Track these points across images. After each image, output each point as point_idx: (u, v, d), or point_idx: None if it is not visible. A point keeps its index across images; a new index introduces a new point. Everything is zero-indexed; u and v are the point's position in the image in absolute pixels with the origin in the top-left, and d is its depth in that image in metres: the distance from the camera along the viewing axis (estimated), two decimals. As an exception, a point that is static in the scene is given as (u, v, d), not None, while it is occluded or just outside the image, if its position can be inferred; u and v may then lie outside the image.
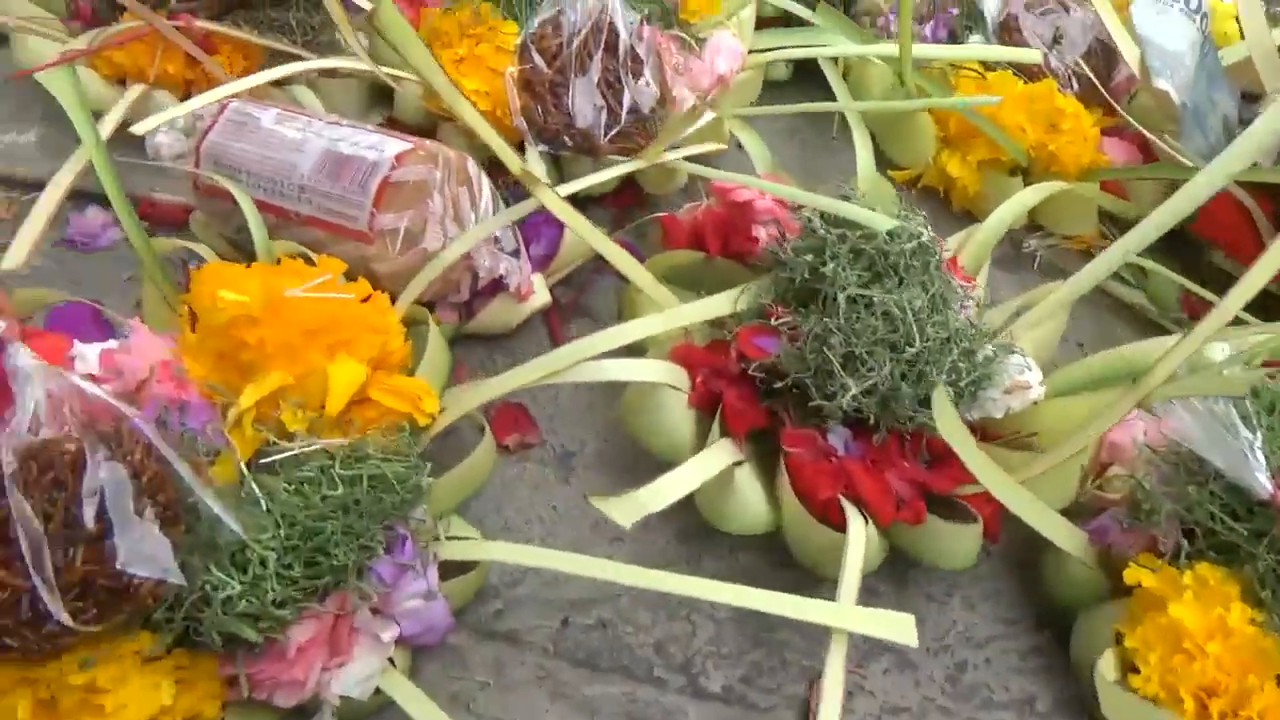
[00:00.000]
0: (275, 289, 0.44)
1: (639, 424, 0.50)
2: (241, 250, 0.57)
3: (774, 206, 0.57)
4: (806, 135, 0.79)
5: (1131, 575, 0.44)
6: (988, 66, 0.70)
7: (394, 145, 0.51)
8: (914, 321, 0.47)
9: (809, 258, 0.51)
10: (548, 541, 0.51)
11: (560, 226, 0.59)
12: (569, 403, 0.57)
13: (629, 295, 0.56)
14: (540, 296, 0.57)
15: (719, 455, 0.46)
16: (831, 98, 0.75)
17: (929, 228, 0.52)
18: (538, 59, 0.59)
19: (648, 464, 0.52)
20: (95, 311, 0.53)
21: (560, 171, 0.62)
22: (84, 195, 0.61)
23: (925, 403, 0.49)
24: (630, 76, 0.60)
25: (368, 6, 0.67)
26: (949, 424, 0.44)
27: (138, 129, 0.51)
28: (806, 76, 0.80)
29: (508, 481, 0.53)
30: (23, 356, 0.40)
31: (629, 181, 0.64)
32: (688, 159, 0.59)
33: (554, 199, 0.49)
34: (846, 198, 0.53)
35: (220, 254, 0.55)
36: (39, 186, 0.64)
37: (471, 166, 0.54)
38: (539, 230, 0.59)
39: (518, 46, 0.60)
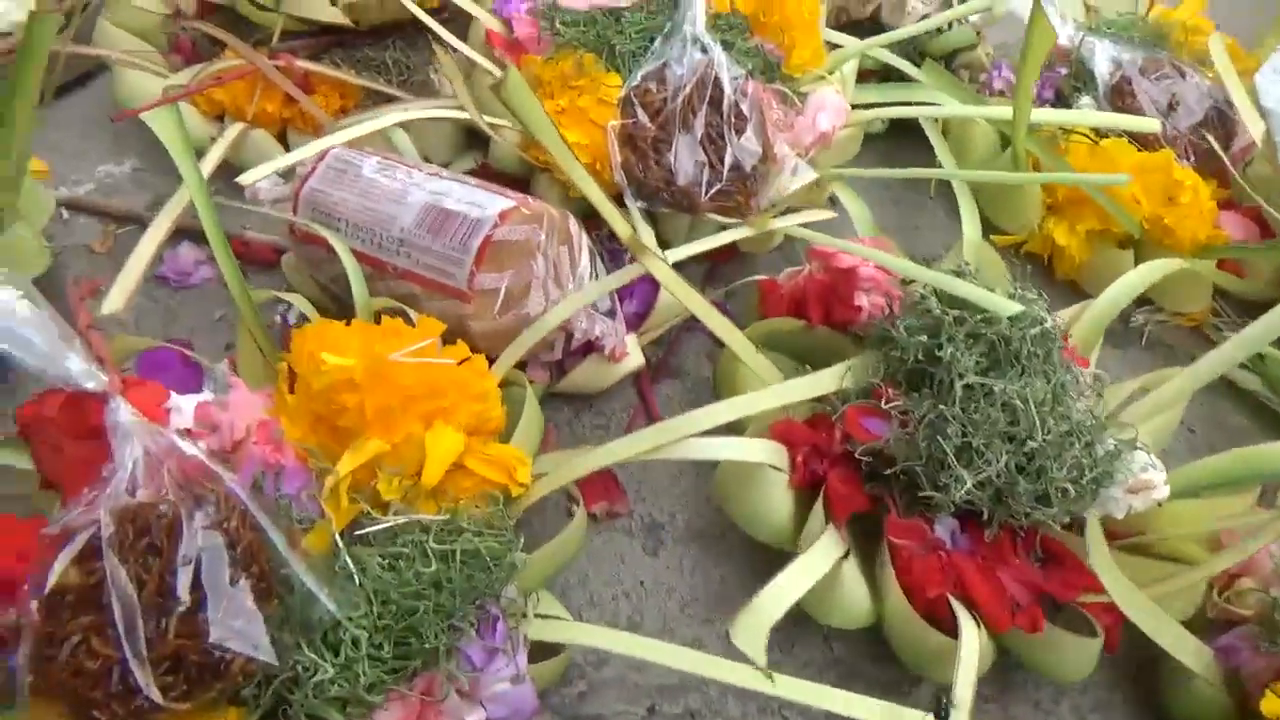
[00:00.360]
0: (377, 352, 0.43)
1: (737, 505, 0.48)
2: (333, 297, 0.57)
3: (877, 274, 0.55)
4: (900, 192, 0.76)
5: (1270, 706, 0.41)
6: (1099, 132, 0.67)
7: (497, 202, 0.50)
8: (1036, 414, 0.45)
9: (923, 338, 0.48)
10: (634, 620, 0.49)
11: (655, 284, 0.57)
12: (658, 470, 0.55)
13: (726, 364, 0.54)
14: (634, 359, 0.55)
15: (828, 550, 0.44)
16: (929, 151, 0.72)
17: (1049, 311, 0.49)
18: (641, 113, 0.58)
19: (739, 538, 0.50)
20: (184, 355, 0.52)
21: (655, 226, 0.60)
22: (178, 231, 0.61)
23: (1043, 499, 0.46)
24: (733, 133, 0.59)
25: (461, 47, 0.66)
26: (1100, 558, 0.42)
27: (244, 179, 0.50)
28: (902, 130, 0.78)
29: (594, 551, 0.51)
30: (124, 412, 0.39)
31: (722, 236, 0.62)
32: (798, 226, 0.57)
33: (662, 268, 0.47)
34: (960, 274, 0.51)
35: (311, 299, 0.54)
36: (133, 219, 0.64)
37: (573, 225, 0.52)
38: (631, 287, 0.58)
39: (620, 100, 0.58)
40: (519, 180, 0.62)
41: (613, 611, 0.49)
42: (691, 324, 0.61)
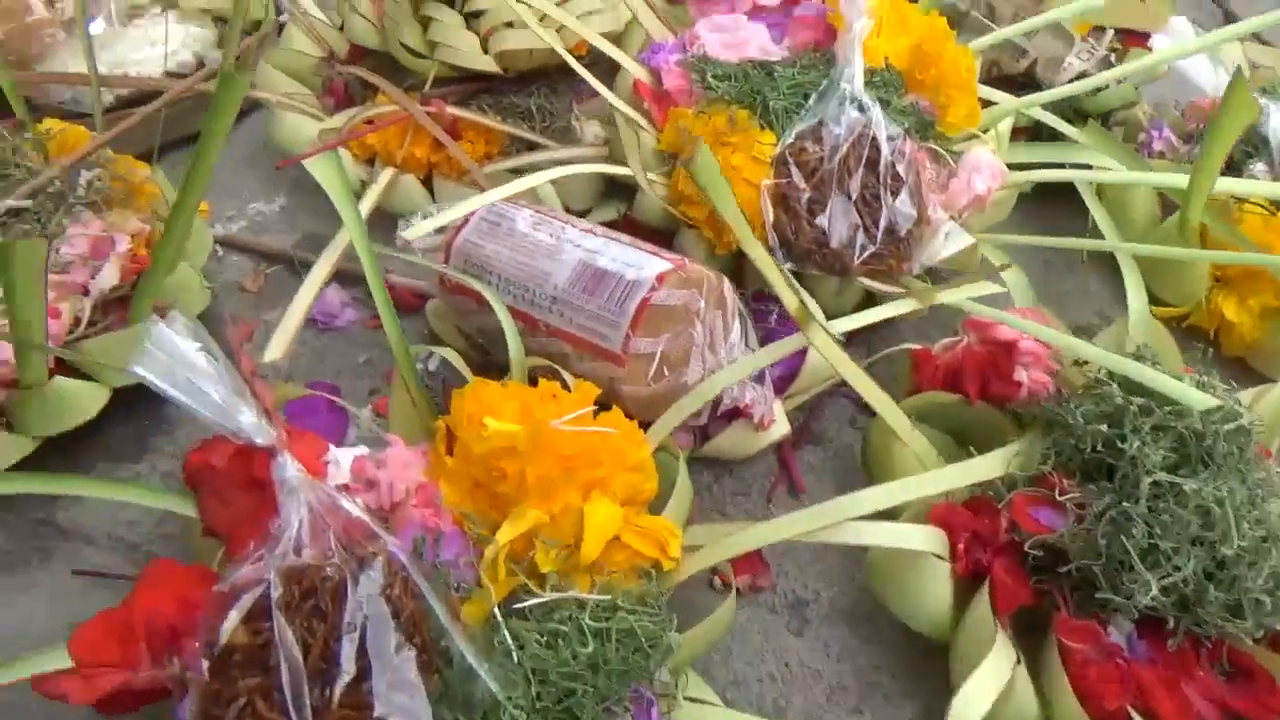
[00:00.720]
0: (538, 419, 0.42)
1: (895, 593, 0.46)
2: (475, 346, 0.57)
3: (1037, 348, 0.53)
4: (1049, 256, 0.73)
5: None
6: (1276, 202, 0.63)
7: (654, 264, 0.49)
8: (1233, 518, 0.42)
9: (1103, 427, 0.45)
10: (780, 705, 0.47)
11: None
12: (800, 544, 0.53)
13: (879, 438, 0.52)
14: (780, 427, 0.53)
15: (1004, 658, 0.41)
16: (1079, 211, 0.69)
17: (1242, 404, 0.46)
18: (795, 173, 0.56)
19: (885, 620, 0.48)
20: (330, 400, 0.52)
21: (803, 288, 0.58)
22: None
23: (1235, 610, 0.42)
24: (889, 195, 0.57)
25: (610, 97, 0.65)
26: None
27: (408, 234, 0.51)
28: (1050, 188, 0.73)
29: (737, 628, 0.49)
30: (291, 469, 0.39)
31: (868, 300, 0.60)
32: (964, 298, 0.54)
33: (827, 342, 0.45)
34: (1142, 358, 0.48)
35: (456, 349, 0.54)
36: (282, 258, 0.66)
37: (727, 289, 0.51)
38: (777, 350, 0.56)
39: (774, 158, 0.57)
40: (663, 234, 0.61)
41: (758, 695, 0.47)
42: (834, 389, 0.59)
